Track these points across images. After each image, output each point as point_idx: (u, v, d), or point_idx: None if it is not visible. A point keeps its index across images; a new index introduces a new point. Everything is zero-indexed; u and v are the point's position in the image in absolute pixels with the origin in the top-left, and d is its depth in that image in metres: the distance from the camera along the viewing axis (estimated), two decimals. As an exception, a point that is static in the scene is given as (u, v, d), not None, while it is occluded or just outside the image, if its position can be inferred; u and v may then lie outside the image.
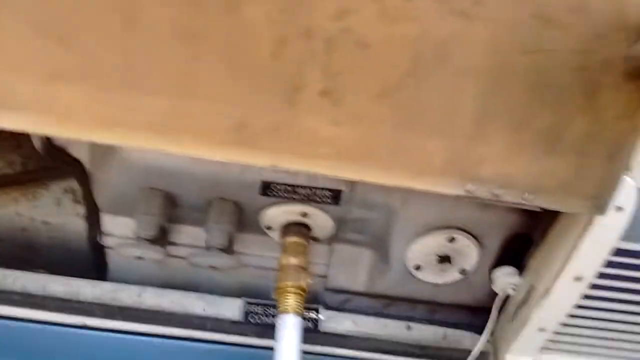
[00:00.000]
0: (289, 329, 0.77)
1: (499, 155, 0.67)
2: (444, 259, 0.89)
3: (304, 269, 0.83)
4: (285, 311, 0.78)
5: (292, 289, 0.80)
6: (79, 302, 0.88)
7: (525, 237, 0.89)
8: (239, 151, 0.65)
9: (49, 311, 0.87)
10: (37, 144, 0.87)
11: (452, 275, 0.93)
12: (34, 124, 0.64)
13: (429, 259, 0.90)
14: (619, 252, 0.76)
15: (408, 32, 0.60)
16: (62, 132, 0.64)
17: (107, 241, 0.95)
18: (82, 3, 0.57)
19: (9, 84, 0.62)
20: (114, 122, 0.63)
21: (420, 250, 0.89)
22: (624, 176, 0.69)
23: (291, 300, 0.79)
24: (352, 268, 0.97)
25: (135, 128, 0.64)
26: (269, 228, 0.90)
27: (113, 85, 0.62)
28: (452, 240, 0.87)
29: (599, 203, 0.69)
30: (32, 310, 0.87)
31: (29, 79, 0.62)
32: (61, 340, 0.89)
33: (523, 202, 0.69)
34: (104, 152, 0.85)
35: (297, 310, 0.79)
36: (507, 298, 0.91)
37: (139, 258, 0.86)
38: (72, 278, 0.91)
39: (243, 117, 0.64)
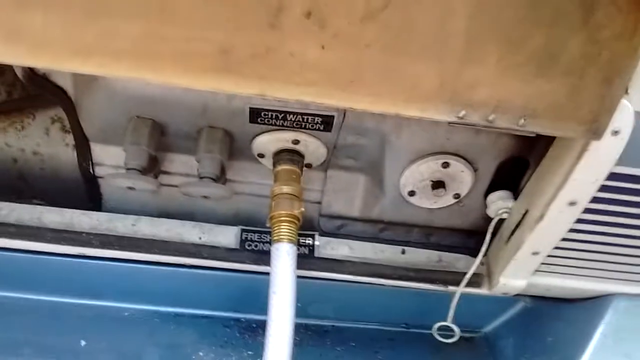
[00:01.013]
0: (282, 257, 0.78)
1: (492, 78, 0.64)
2: (438, 184, 0.89)
3: (296, 197, 0.83)
4: (279, 240, 0.78)
5: (286, 218, 0.80)
6: (75, 232, 0.88)
7: (521, 161, 0.87)
8: (224, 79, 0.62)
9: (45, 242, 0.87)
10: (19, 73, 0.85)
11: (446, 200, 0.92)
12: (6, 54, 0.61)
13: (423, 184, 0.89)
14: (615, 176, 0.75)
15: (396, -54, 0.56)
16: (35, 61, 0.62)
17: (98, 171, 0.95)
18: None
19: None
20: (89, 50, 0.61)
21: (413, 176, 0.88)
22: (622, 99, 0.67)
23: (284, 229, 0.79)
24: (346, 194, 0.96)
25: (112, 55, 0.61)
26: (261, 156, 0.89)
27: (85, 11, 0.59)
28: (445, 165, 0.86)
29: (595, 127, 0.67)
30: (29, 241, 0.87)
31: (-1, 6, 0.59)
32: (58, 269, 0.90)
33: (517, 127, 0.67)
34: (87, 80, 0.83)
35: (291, 238, 0.79)
36: (501, 222, 0.91)
37: (131, 188, 0.86)
38: (67, 209, 0.91)
39: (225, 42, 0.61)
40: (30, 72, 0.86)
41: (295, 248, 0.80)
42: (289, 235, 0.79)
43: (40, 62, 0.62)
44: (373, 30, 0.60)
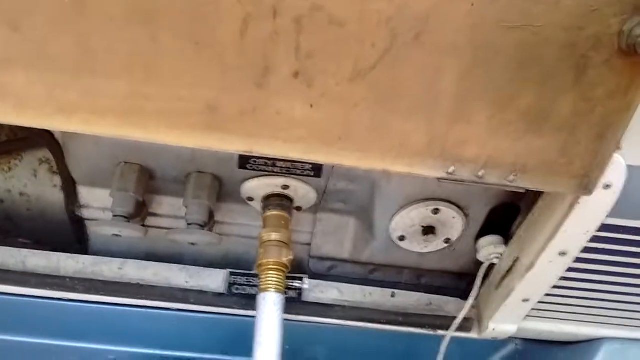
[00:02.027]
0: (269, 307, 0.77)
1: (482, 136, 0.64)
2: (429, 230, 0.88)
3: (285, 244, 0.82)
4: (266, 289, 0.77)
5: (274, 266, 0.79)
6: (59, 277, 0.87)
7: (512, 207, 0.87)
8: (211, 136, 0.61)
9: (29, 287, 0.86)
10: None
11: (437, 244, 0.91)
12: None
13: (413, 230, 0.88)
14: (606, 227, 0.74)
15: (384, 8, 0.55)
16: (19, 119, 0.60)
17: (85, 213, 0.93)
18: (29, -15, 0.53)
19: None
20: (74, 109, 0.60)
21: (403, 222, 0.87)
22: (614, 154, 0.66)
23: (272, 278, 0.78)
24: (337, 236, 0.95)
25: (96, 114, 0.60)
26: (250, 199, 0.88)
27: (70, 70, 0.58)
28: (436, 211, 0.85)
29: (587, 182, 0.67)
30: (13, 286, 0.85)
31: (-19, 64, 0.58)
32: (43, 312, 0.89)
33: (507, 183, 0.66)
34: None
35: (278, 287, 0.78)
36: (492, 266, 0.90)
37: (117, 235, 0.84)
38: (53, 252, 0.89)
39: (212, 100, 0.60)
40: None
41: (282, 297, 0.79)
42: (276, 285, 0.79)
43: (24, 120, 0.60)
44: (361, 89, 0.60)
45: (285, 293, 0.90)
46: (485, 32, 0.57)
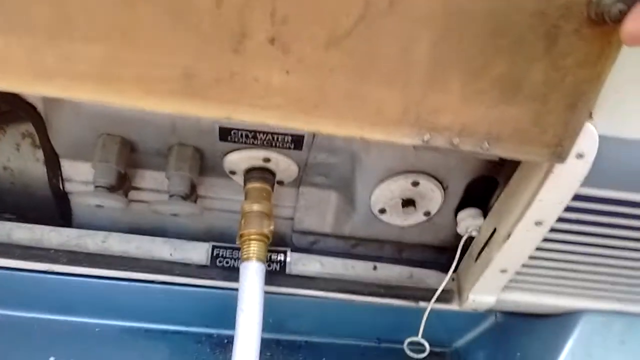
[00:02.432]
0: (251, 275, 0.78)
1: (456, 104, 0.65)
2: (408, 203, 0.89)
3: (267, 215, 0.83)
4: (248, 258, 0.79)
5: (255, 236, 0.80)
6: (43, 249, 0.88)
7: (491, 180, 0.88)
8: (188, 103, 0.62)
9: (13, 259, 0.86)
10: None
11: (416, 217, 0.93)
12: (-30, 76, 0.61)
13: (393, 202, 0.89)
14: (579, 197, 0.75)
15: (359, -26, 0.56)
16: (-1, 84, 0.61)
17: (68, 187, 0.94)
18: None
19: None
20: (51, 74, 0.60)
21: (383, 195, 0.88)
22: (586, 123, 0.68)
23: (254, 247, 0.79)
24: (318, 210, 0.96)
25: (74, 78, 0.61)
26: (232, 173, 0.89)
27: (47, 35, 0.58)
28: (415, 184, 0.86)
29: (559, 151, 0.68)
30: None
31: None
32: (28, 285, 0.89)
33: (481, 151, 0.67)
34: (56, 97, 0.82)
35: (260, 257, 0.79)
36: (471, 239, 0.92)
37: (99, 207, 0.85)
38: (37, 225, 0.90)
39: (190, 66, 0.61)
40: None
41: (263, 266, 0.80)
42: (258, 254, 0.80)
43: (3, 85, 0.61)
44: (336, 56, 0.61)
45: (269, 266, 0.92)
46: (457, 0, 0.58)
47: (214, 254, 0.92)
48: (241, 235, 0.81)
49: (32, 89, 0.62)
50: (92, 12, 0.57)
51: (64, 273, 0.88)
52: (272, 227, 0.82)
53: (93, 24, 0.58)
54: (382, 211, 0.91)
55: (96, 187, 0.83)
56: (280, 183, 0.91)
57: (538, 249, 0.83)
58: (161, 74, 0.61)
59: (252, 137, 0.82)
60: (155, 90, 0.62)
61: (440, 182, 0.87)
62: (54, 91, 0.62)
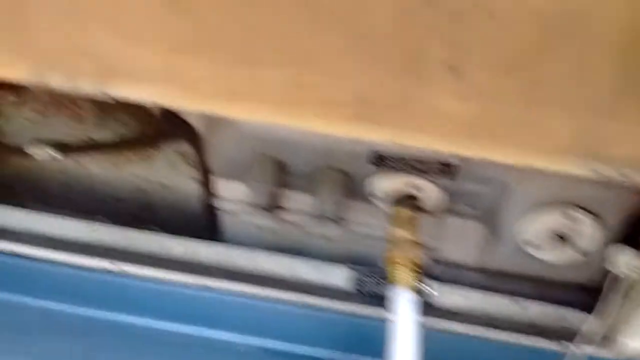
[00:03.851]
0: (404, 303, 0.77)
1: (632, 132, 0.62)
2: (559, 237, 0.86)
3: (415, 242, 0.82)
4: (400, 285, 0.78)
5: (406, 263, 0.80)
6: (197, 263, 0.92)
7: (651, 218, 0.83)
8: (361, 126, 0.64)
9: (170, 270, 0.91)
10: (152, 108, 0.91)
11: (566, 253, 0.89)
12: (158, 95, 0.66)
13: (543, 235, 0.86)
14: None
15: (541, 3, 0.56)
16: (185, 104, 0.66)
17: (220, 204, 0.99)
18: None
19: (135, 56, 0.64)
20: (235, 95, 0.65)
21: (533, 227, 0.85)
22: None
23: (404, 275, 0.79)
24: (462, 241, 0.95)
25: (257, 101, 0.65)
26: (377, 198, 0.90)
27: (235, 58, 0.63)
28: (569, 217, 0.83)
29: None
30: (155, 269, 0.91)
31: (154, 51, 0.64)
32: (180, 298, 0.94)
33: (657, 184, 0.64)
34: (217, 118, 0.87)
35: (411, 284, 0.78)
36: (623, 279, 0.87)
37: (254, 225, 0.89)
38: (190, 239, 0.95)
39: (363, 91, 0.63)
40: (164, 108, 0.92)
41: (415, 295, 0.79)
42: (408, 281, 0.79)
43: (189, 104, 0.66)
44: (512, 83, 0.61)
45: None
46: (644, 26, 0.56)
47: (357, 278, 0.93)
48: (390, 262, 0.81)
49: (215, 109, 0.66)
50: (281, 37, 0.61)
51: (216, 288, 0.92)
52: (422, 256, 0.81)
53: (281, 48, 0.62)
54: (530, 244, 0.88)
55: (251, 206, 0.86)
56: (425, 211, 0.91)
57: None
58: (337, 98, 0.64)
59: (403, 163, 0.83)
60: (329, 113, 0.64)
61: (597, 217, 0.83)
62: (235, 112, 0.66)
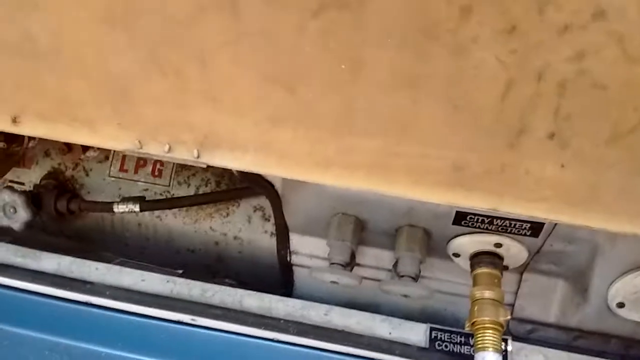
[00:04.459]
0: (490, 368, 0.75)
1: None
2: (651, 298, 0.82)
3: (499, 302, 0.80)
4: (484, 349, 0.76)
5: (490, 325, 0.78)
6: (272, 318, 0.92)
7: None
8: (456, 194, 0.63)
9: (246, 326, 0.91)
10: (234, 167, 0.92)
11: (657, 314, 0.85)
12: (254, 164, 0.67)
13: (635, 297, 0.83)
14: None
15: (649, 72, 0.55)
16: (279, 171, 0.66)
17: (294, 259, 0.99)
18: (311, 54, 0.59)
19: (234, 126, 0.65)
20: (329, 163, 0.65)
21: (625, 288, 0.82)
22: None
23: (490, 337, 0.77)
24: (543, 299, 0.92)
25: (350, 169, 0.65)
26: (456, 255, 0.89)
27: (332, 128, 0.63)
28: (663, 278, 0.80)
29: None
30: (231, 323, 0.91)
31: (253, 121, 0.65)
32: (255, 352, 0.93)
33: None
34: (297, 178, 0.88)
35: (497, 347, 0.76)
36: None
37: (334, 282, 0.88)
38: (265, 294, 0.95)
39: (461, 158, 0.62)
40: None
41: (500, 358, 0.77)
42: (494, 344, 0.77)
43: (283, 172, 0.66)
44: (617, 152, 0.59)
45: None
46: None
47: (433, 336, 0.91)
48: (474, 323, 0.80)
49: (308, 177, 0.66)
50: (376, 107, 0.61)
51: (291, 343, 0.91)
52: (508, 317, 0.79)
53: (375, 118, 0.62)
54: (621, 305, 0.85)
55: (332, 263, 0.86)
56: (505, 268, 0.89)
57: None
58: (432, 165, 0.63)
59: (487, 223, 0.82)
60: (423, 180, 0.64)
61: (690, 278, 0.80)
62: (328, 180, 0.66)
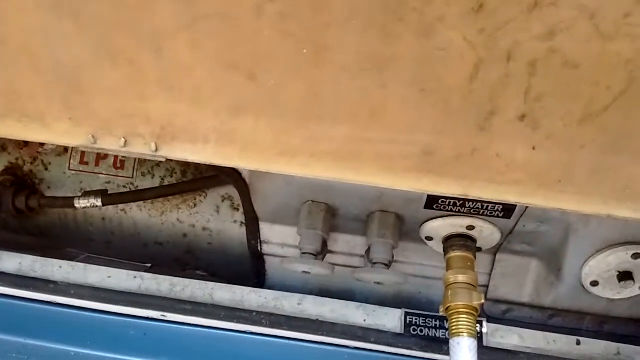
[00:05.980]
0: (464, 353, 0.74)
1: None
2: (626, 276, 0.82)
3: (473, 286, 0.79)
4: (459, 334, 0.75)
5: (464, 310, 0.77)
6: (245, 310, 0.90)
7: None
8: (425, 179, 0.61)
9: (218, 320, 0.89)
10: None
11: (631, 291, 0.85)
12: (216, 156, 0.64)
13: (608, 275, 0.83)
14: None
15: (624, 49, 0.53)
16: (243, 163, 0.64)
17: (265, 248, 0.97)
18: (271, 37, 0.56)
19: (193, 117, 0.62)
20: (294, 152, 0.62)
21: (599, 266, 0.82)
22: None
23: (464, 322, 0.76)
24: (517, 279, 0.92)
25: (316, 157, 0.62)
26: (429, 239, 0.87)
27: (296, 116, 0.61)
28: (636, 256, 0.80)
29: None
30: (203, 318, 0.89)
31: (213, 111, 0.62)
32: (228, 345, 0.91)
33: None
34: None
35: (471, 332, 0.75)
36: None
37: (306, 272, 0.86)
38: (236, 286, 0.93)
39: (430, 143, 0.60)
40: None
41: (476, 343, 0.76)
42: (469, 329, 0.76)
43: (247, 164, 0.64)
44: (590, 131, 0.58)
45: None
46: None
47: (408, 321, 0.90)
48: (448, 308, 0.78)
49: (273, 167, 0.64)
50: (343, 93, 0.58)
51: (264, 334, 0.89)
52: (482, 301, 0.78)
53: (341, 104, 0.59)
54: (594, 283, 0.84)
55: (303, 253, 0.84)
56: (478, 250, 0.88)
57: None
58: (400, 151, 0.61)
59: (459, 206, 0.80)
60: (392, 167, 0.62)
61: (664, 254, 0.80)
62: (293, 169, 0.63)
